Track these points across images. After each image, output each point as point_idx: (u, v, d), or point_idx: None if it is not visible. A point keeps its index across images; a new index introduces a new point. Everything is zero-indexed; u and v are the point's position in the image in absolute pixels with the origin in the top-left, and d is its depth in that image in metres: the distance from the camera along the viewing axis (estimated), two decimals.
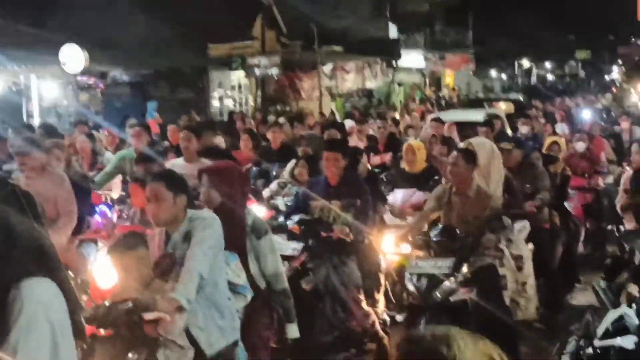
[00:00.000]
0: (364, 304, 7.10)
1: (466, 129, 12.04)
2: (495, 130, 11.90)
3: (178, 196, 4.83)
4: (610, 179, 11.33)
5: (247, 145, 10.45)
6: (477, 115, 13.26)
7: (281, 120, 12.75)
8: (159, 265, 4.58)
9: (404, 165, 9.28)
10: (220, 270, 4.94)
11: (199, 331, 4.76)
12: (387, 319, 7.69)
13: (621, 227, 8.92)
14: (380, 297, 7.65)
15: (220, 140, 11.03)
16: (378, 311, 7.48)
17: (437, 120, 12.99)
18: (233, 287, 5.23)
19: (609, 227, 11.38)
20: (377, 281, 7.62)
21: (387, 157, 11.27)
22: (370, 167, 9.84)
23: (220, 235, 4.85)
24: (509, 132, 13.94)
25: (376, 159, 11.32)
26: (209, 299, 4.81)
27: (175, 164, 8.23)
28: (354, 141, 12.41)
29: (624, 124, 13.62)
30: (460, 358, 1.76)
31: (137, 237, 5.06)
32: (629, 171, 8.87)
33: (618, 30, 54.62)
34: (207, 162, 7.58)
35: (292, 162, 9.08)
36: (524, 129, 12.59)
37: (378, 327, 7.20)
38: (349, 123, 14.66)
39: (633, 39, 50.11)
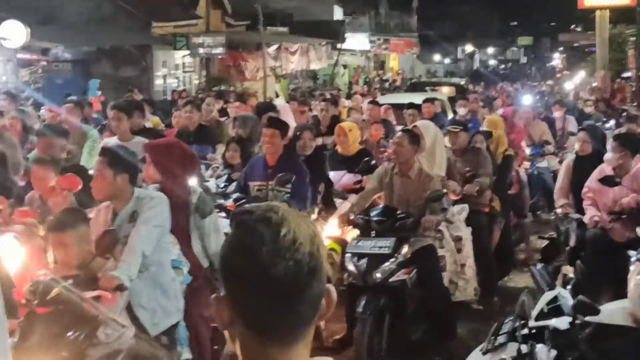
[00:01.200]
0: None
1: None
2: (426, 113, 12.07)
3: (119, 174, 4.81)
4: (544, 163, 11.39)
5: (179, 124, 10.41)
6: (416, 99, 13.36)
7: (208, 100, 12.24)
8: (101, 242, 4.56)
9: (338, 147, 9.23)
10: (166, 250, 4.94)
11: (143, 311, 4.76)
12: None
13: (558, 210, 9.09)
14: None
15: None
16: None
17: (373, 102, 13.08)
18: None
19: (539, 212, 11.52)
20: None
21: (329, 139, 11.19)
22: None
23: (167, 216, 4.86)
24: (450, 115, 14.09)
25: (318, 141, 11.23)
26: (154, 279, 4.81)
27: (109, 142, 8.11)
28: (293, 122, 12.39)
29: (557, 113, 13.72)
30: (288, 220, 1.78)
31: (77, 213, 5.01)
32: (571, 156, 9.02)
33: (559, 17, 55.44)
34: (141, 140, 7.53)
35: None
36: (461, 110, 12.66)
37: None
38: (280, 102, 14.56)
39: (573, 26, 50.85)
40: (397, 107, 13.21)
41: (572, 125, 13.35)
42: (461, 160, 8.62)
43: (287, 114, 12.32)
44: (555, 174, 11.37)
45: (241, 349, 1.83)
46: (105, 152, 5.04)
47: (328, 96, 16.54)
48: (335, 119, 11.54)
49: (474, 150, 8.71)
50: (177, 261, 5.32)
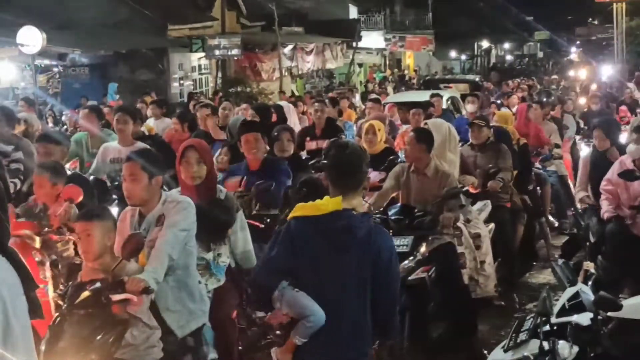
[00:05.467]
0: None
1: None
2: (432, 111, 11.95)
3: (154, 177, 4.85)
4: (552, 167, 11.18)
5: (178, 129, 10.26)
6: (421, 98, 13.31)
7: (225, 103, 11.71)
8: (127, 245, 4.59)
9: (364, 145, 9.19)
10: (192, 254, 4.97)
11: (170, 313, 4.80)
12: None
13: (577, 206, 9.07)
14: None
15: (166, 123, 10.94)
16: None
17: (375, 101, 12.99)
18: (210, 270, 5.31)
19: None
20: None
21: (324, 143, 10.65)
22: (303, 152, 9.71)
23: (194, 220, 4.88)
24: (464, 112, 13.99)
25: (312, 144, 10.48)
26: (180, 281, 4.85)
27: (109, 146, 8.09)
28: (298, 123, 12.21)
29: (555, 111, 13.49)
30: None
31: (105, 209, 5.08)
32: (588, 150, 9.00)
33: (576, 11, 55.17)
34: (142, 145, 7.40)
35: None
36: (470, 107, 12.46)
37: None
38: (284, 103, 14.15)
39: (590, 20, 50.66)
40: (403, 106, 13.10)
41: (569, 122, 13.25)
42: (482, 156, 8.64)
43: (292, 114, 12.14)
44: (564, 178, 11.34)
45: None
46: (138, 155, 5.02)
47: (338, 94, 16.22)
48: (331, 121, 11.26)
49: (494, 145, 8.72)
50: (215, 265, 5.37)
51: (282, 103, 13.88)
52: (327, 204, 4.17)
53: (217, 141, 9.44)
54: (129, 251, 4.58)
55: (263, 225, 6.47)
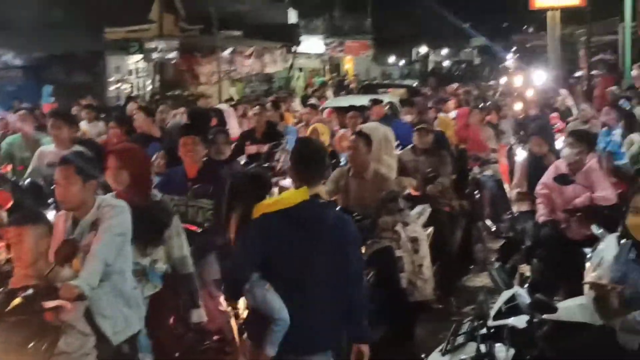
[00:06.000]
0: (222, 301, 6.54)
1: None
2: (374, 114, 12.01)
3: (88, 181, 4.75)
4: (489, 171, 11.35)
5: (116, 132, 10.12)
6: (360, 102, 13.38)
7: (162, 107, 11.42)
8: (61, 251, 4.50)
9: None
10: (128, 259, 4.89)
11: (105, 320, 4.70)
12: None
13: (514, 209, 9.20)
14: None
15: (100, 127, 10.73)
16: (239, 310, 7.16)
17: (312, 106, 13.01)
18: (146, 276, 5.23)
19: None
20: None
21: (264, 147, 10.46)
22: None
23: (129, 224, 4.80)
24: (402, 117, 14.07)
25: (252, 149, 10.60)
26: (116, 287, 4.76)
27: (46, 150, 7.94)
28: (237, 127, 12.15)
29: (491, 117, 13.67)
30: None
31: (40, 214, 4.97)
32: (525, 155, 9.14)
33: (512, 18, 56.01)
34: (80, 149, 7.18)
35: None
36: (408, 118, 12.52)
37: (235, 327, 6.57)
38: (223, 106, 14.05)
39: (525, 27, 51.42)
40: (341, 110, 13.13)
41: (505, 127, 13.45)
42: (423, 160, 8.70)
43: (231, 118, 12.05)
44: (500, 183, 11.50)
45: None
46: (71, 159, 4.91)
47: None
48: (272, 125, 11.22)
49: (436, 151, 8.79)
50: (151, 271, 5.29)
51: (222, 106, 13.79)
52: (295, 195, 4.53)
53: (154, 141, 9.34)
54: (63, 257, 4.48)
55: (200, 230, 6.41)
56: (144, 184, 5.51)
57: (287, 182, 8.90)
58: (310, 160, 4.66)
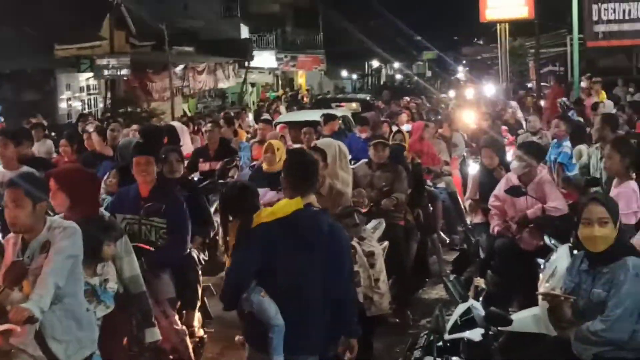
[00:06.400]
0: (176, 320, 6.52)
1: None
2: (326, 130, 12.05)
3: (39, 203, 4.67)
4: (442, 184, 11.40)
5: (66, 150, 9.99)
6: (314, 117, 13.43)
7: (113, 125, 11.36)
8: (9, 273, 4.41)
9: (263, 164, 9.18)
10: (79, 280, 4.81)
11: (57, 343, 4.62)
12: (204, 335, 7.26)
13: (467, 221, 9.27)
14: (195, 312, 7.07)
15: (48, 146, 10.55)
16: (194, 328, 6.99)
17: (265, 121, 13.03)
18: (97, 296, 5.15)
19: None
20: (195, 295, 6.99)
21: (217, 164, 10.47)
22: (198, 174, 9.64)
23: (80, 246, 4.72)
24: (355, 131, 14.12)
25: (205, 166, 10.59)
26: (68, 309, 4.68)
27: None
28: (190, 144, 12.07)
29: (443, 129, 13.74)
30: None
31: None
32: (477, 167, 9.22)
33: (462, 31, 56.69)
34: (28, 170, 7.03)
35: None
36: (363, 136, 12.55)
37: (189, 345, 6.61)
38: (176, 123, 13.95)
39: (475, 39, 52.06)
40: (294, 125, 13.13)
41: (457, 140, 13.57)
42: (379, 175, 8.72)
43: (185, 135, 11.96)
44: (453, 195, 11.58)
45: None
46: (19, 181, 4.80)
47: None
48: (225, 142, 11.17)
49: (391, 165, 8.81)
50: (102, 291, 5.22)
51: (175, 123, 13.69)
52: (290, 204, 4.80)
53: (106, 159, 9.24)
54: (12, 280, 4.40)
55: (154, 249, 6.36)
56: (86, 205, 5.40)
57: None
58: (303, 171, 4.97)
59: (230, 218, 5.37)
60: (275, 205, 4.97)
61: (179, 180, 7.50)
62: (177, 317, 6.58)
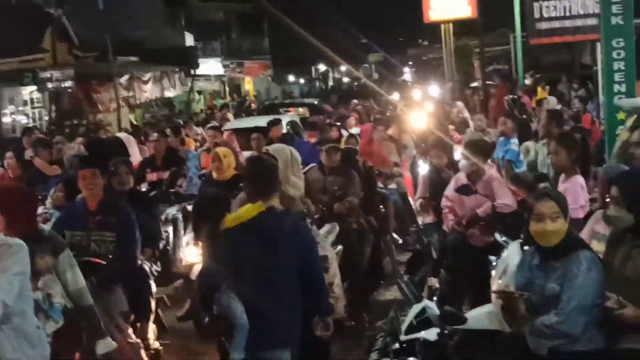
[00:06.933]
0: (130, 333, 6.47)
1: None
2: (273, 136, 12.03)
3: None
4: (393, 185, 11.43)
5: (11, 165, 9.82)
6: (261, 123, 13.42)
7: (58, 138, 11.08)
8: None
9: (213, 173, 9.13)
10: (28, 298, 4.71)
11: None
12: (160, 347, 7.23)
13: (419, 221, 9.30)
14: (149, 324, 7.05)
15: None
16: (149, 340, 6.96)
17: (214, 128, 13.00)
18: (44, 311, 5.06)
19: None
20: (148, 307, 6.96)
21: (165, 174, 10.45)
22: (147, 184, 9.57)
23: (27, 263, 4.61)
24: (304, 135, 14.12)
25: (152, 176, 10.54)
26: (17, 328, 4.57)
27: None
28: (138, 154, 11.96)
29: (392, 131, 13.81)
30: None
31: None
32: (427, 167, 9.27)
33: (407, 33, 57.05)
34: None
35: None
36: (313, 140, 12.58)
37: (145, 358, 6.60)
38: (123, 135, 13.83)
39: (420, 40, 52.45)
40: (243, 132, 13.08)
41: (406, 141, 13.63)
42: (331, 180, 8.70)
43: (132, 146, 11.85)
44: (405, 196, 11.62)
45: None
46: None
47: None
48: (172, 151, 11.11)
49: (344, 169, 8.80)
50: (49, 307, 5.13)
51: (122, 135, 13.56)
52: (253, 208, 5.04)
53: (52, 178, 9.10)
54: None
55: (105, 262, 6.28)
56: (22, 223, 5.30)
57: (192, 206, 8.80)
58: (264, 176, 5.27)
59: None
60: (239, 210, 5.21)
61: (128, 192, 7.42)
62: (131, 330, 6.51)
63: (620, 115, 8.17)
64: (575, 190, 6.66)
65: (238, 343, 4.99)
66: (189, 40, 40.66)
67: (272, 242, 5.00)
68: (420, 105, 20.29)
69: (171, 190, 9.90)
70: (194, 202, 6.58)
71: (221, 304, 5.05)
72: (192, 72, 35.94)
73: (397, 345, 5.01)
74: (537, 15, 18.39)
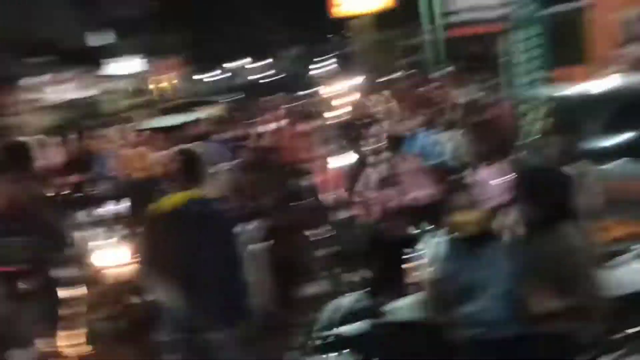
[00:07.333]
0: (44, 341, 6.26)
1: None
2: (189, 134, 11.92)
3: None
4: (312, 180, 11.39)
5: None
6: (176, 121, 13.34)
7: None
8: None
9: (131, 173, 9.01)
10: None
11: None
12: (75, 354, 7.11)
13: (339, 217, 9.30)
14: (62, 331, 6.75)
15: None
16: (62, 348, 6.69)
17: (128, 128, 12.87)
18: None
19: None
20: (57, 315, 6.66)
21: (76, 177, 10.39)
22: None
23: None
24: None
25: (63, 179, 10.40)
26: None
27: None
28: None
29: (310, 126, 13.86)
30: None
31: None
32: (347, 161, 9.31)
33: (322, 27, 57.23)
34: None
35: None
36: (228, 135, 12.48)
37: None
38: (33, 138, 13.60)
39: (338, 34, 52.64)
40: (158, 131, 12.95)
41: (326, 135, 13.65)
42: (249, 177, 8.64)
43: (42, 149, 11.60)
44: (323, 190, 11.61)
45: None
46: None
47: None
48: (83, 153, 10.95)
49: (260, 167, 8.75)
50: None
51: (30, 138, 13.23)
52: (182, 196, 5.33)
53: None
54: None
55: (14, 270, 6.09)
56: None
57: (106, 209, 8.64)
58: (192, 166, 5.52)
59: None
60: (171, 198, 5.45)
61: (37, 196, 7.21)
62: (45, 338, 6.31)
63: (532, 105, 8.30)
64: (492, 179, 6.74)
65: (165, 325, 5.28)
66: (103, 39, 40.00)
67: (200, 228, 5.22)
68: (339, 99, 20.36)
69: (81, 193, 9.71)
70: (131, 194, 6.87)
71: (153, 289, 5.41)
72: (105, 72, 35.36)
73: (321, 340, 4.98)
74: (450, 7, 18.63)
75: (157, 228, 5.38)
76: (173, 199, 5.40)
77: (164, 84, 49.24)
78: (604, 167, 5.93)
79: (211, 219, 5.33)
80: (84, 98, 35.14)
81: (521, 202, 4.68)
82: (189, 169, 5.52)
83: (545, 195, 4.50)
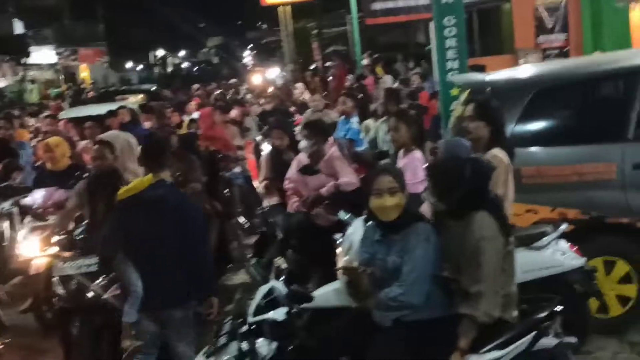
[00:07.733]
0: None
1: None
2: (111, 125, 11.80)
3: None
4: (237, 168, 11.42)
5: None
6: (98, 111, 13.17)
7: None
8: None
9: (47, 164, 8.87)
10: None
11: None
12: (1, 346, 7.08)
13: (264, 203, 9.30)
14: None
15: None
16: None
17: (48, 117, 12.69)
18: None
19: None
20: None
21: None
22: None
23: None
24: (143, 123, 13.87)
25: None
26: None
27: None
28: None
29: (234, 114, 13.81)
30: None
31: None
32: (268, 149, 9.28)
33: (245, 16, 56.96)
34: None
35: None
36: (147, 124, 12.40)
37: None
38: None
39: (260, 23, 52.42)
40: (79, 121, 12.77)
41: (249, 124, 13.68)
42: (177, 165, 8.56)
43: None
44: (249, 179, 11.64)
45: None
46: None
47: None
48: (4, 142, 10.75)
49: (183, 155, 8.68)
50: None
51: None
52: (143, 181, 5.53)
53: None
54: None
55: None
56: None
57: (28, 199, 8.50)
58: (154, 151, 5.75)
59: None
60: (132, 183, 5.64)
61: None
62: None
63: (454, 91, 8.43)
64: (414, 165, 6.84)
65: (132, 306, 5.46)
66: (19, 27, 39.04)
67: (159, 213, 5.41)
68: (261, 88, 20.34)
69: (4, 183, 9.50)
70: (88, 181, 6.76)
71: (118, 271, 5.58)
72: (22, 61, 34.56)
73: (245, 328, 5.00)
74: None
75: (119, 210, 5.57)
76: (136, 183, 5.59)
77: (88, 73, 48.42)
78: (519, 153, 6.06)
79: (169, 203, 5.48)
80: (4, 87, 34.35)
81: (436, 189, 4.75)
82: (152, 153, 5.72)
83: (459, 182, 4.60)
